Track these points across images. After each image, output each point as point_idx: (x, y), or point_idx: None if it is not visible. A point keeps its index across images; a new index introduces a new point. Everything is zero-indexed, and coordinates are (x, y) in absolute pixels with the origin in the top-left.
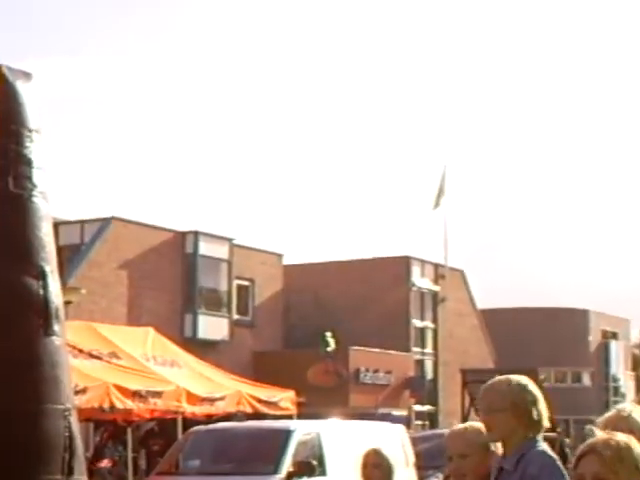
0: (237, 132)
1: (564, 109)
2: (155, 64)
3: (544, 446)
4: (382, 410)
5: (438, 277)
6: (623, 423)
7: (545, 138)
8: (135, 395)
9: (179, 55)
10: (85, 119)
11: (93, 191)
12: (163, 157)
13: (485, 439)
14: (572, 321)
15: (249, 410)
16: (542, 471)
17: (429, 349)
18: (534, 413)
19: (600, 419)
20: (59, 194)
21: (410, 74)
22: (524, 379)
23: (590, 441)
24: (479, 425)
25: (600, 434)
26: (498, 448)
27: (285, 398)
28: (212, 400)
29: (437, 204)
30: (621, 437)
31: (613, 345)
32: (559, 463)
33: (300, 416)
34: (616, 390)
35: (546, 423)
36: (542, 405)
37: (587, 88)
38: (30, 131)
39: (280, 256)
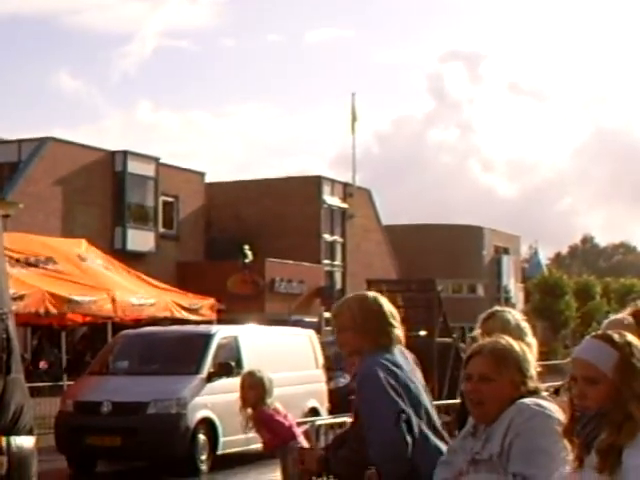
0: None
1: None
2: None
3: (376, 357)
4: (295, 317)
5: (347, 196)
6: (497, 322)
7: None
8: (70, 302)
9: None
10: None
11: (30, 112)
12: (98, 79)
13: None
14: (468, 237)
15: (175, 315)
16: (361, 380)
17: (338, 261)
18: (381, 328)
19: (479, 321)
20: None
21: None
22: (365, 295)
23: (477, 344)
24: None
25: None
26: None
27: (206, 305)
28: (139, 306)
29: (353, 130)
30: (505, 340)
31: (505, 259)
32: (382, 373)
33: (220, 322)
34: (507, 300)
35: (395, 336)
36: (392, 318)
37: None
38: None
39: (203, 174)
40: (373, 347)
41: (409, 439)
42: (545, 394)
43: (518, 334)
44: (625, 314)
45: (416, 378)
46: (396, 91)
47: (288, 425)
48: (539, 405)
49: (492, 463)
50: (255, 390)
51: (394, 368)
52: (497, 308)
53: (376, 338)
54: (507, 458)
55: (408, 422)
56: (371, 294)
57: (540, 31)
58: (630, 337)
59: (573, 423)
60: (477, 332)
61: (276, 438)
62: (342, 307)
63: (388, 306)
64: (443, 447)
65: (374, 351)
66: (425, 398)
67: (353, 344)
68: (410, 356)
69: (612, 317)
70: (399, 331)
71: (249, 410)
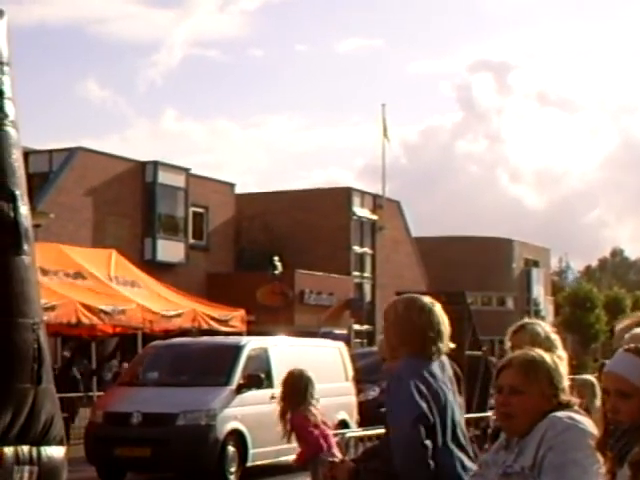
0: (188, 70)
1: None
2: None
3: (413, 361)
4: (324, 329)
5: (376, 207)
6: (526, 335)
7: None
8: (100, 312)
9: None
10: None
11: (61, 123)
12: (129, 93)
13: None
14: (498, 250)
15: (204, 327)
16: (391, 386)
17: (367, 273)
18: (428, 334)
19: (508, 333)
20: (28, 125)
21: None
22: (416, 297)
23: (509, 356)
24: None
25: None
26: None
27: (236, 316)
28: (169, 317)
29: (385, 141)
30: (535, 352)
31: (534, 272)
32: (413, 382)
33: (249, 333)
34: (537, 313)
35: (442, 346)
36: (437, 327)
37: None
38: (1, 64)
39: (232, 185)
40: (411, 351)
41: (428, 443)
42: (578, 408)
43: (548, 346)
44: None
45: (450, 391)
46: (425, 101)
47: (317, 435)
48: (572, 418)
49: (524, 476)
50: (296, 390)
51: (427, 375)
52: (527, 320)
53: (415, 343)
54: (539, 471)
55: (431, 429)
56: (425, 299)
57: (568, 41)
58: None
59: (606, 437)
60: (507, 345)
61: (307, 448)
62: (390, 305)
63: (438, 316)
64: (467, 461)
65: (412, 356)
66: (456, 412)
67: (393, 343)
68: (450, 370)
69: (636, 330)
70: (443, 342)
71: (288, 415)
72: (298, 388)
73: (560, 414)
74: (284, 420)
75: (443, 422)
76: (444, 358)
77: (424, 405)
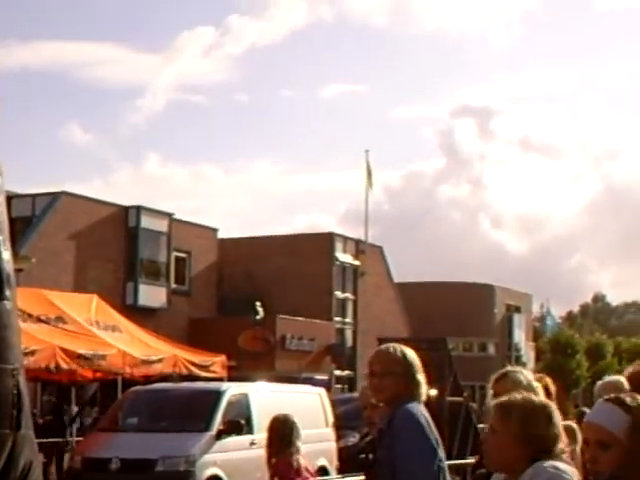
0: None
1: None
2: None
3: (414, 405)
4: (305, 374)
5: (359, 252)
6: (508, 382)
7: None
8: (80, 357)
9: None
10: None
11: (44, 167)
12: (111, 138)
13: None
14: (479, 295)
15: (184, 372)
16: (403, 424)
17: (349, 319)
18: (417, 379)
19: (491, 381)
20: (12, 169)
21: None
22: (408, 349)
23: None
24: None
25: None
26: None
27: (217, 362)
28: (150, 363)
29: (368, 186)
30: (519, 395)
31: (516, 318)
32: (421, 420)
33: (230, 379)
34: (518, 359)
35: (424, 391)
36: (421, 374)
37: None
38: None
39: (215, 230)
40: (409, 397)
41: None
42: (565, 456)
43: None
44: (624, 375)
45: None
46: (407, 146)
47: None
48: (556, 468)
49: None
50: (281, 435)
51: (426, 419)
52: (509, 368)
53: (413, 389)
54: None
55: (443, 472)
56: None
57: (551, 87)
58: None
59: None
60: (489, 392)
61: None
62: (388, 352)
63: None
64: None
65: (409, 401)
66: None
67: (394, 390)
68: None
69: (607, 379)
70: (424, 386)
71: (273, 460)
72: (283, 433)
73: (546, 463)
74: (270, 465)
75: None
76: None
77: (437, 449)
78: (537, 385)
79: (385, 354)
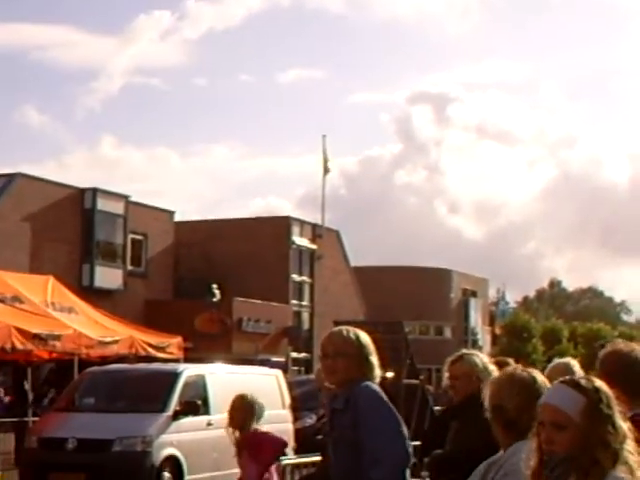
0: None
1: None
2: None
3: (372, 384)
4: (262, 356)
5: (315, 236)
6: (464, 365)
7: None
8: (35, 338)
9: None
10: None
11: (0, 149)
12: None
13: None
14: (436, 279)
15: (141, 353)
16: (370, 403)
17: (306, 302)
18: (371, 361)
19: (446, 363)
20: None
21: None
22: (361, 332)
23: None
24: None
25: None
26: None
27: (173, 343)
28: (106, 344)
29: (325, 172)
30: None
31: (472, 302)
32: (386, 398)
33: (187, 360)
34: (474, 343)
35: (378, 373)
36: (374, 356)
37: None
38: None
39: (172, 213)
40: (362, 379)
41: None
42: None
43: (486, 377)
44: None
45: None
46: (364, 132)
47: (272, 440)
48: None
49: None
50: (243, 413)
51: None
52: (464, 351)
53: (366, 371)
54: None
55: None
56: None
57: (507, 74)
58: (598, 383)
59: (541, 467)
60: (445, 375)
61: (258, 465)
62: (341, 334)
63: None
64: None
65: (365, 380)
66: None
67: (346, 372)
68: None
69: (556, 361)
70: (378, 369)
71: (237, 433)
72: (247, 409)
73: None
74: (235, 442)
75: None
76: None
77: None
78: (493, 368)
79: (338, 336)
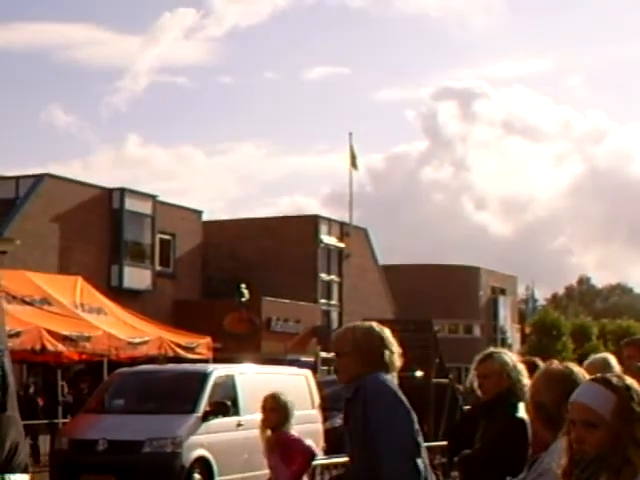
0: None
1: None
2: None
3: (380, 374)
4: (291, 356)
5: (343, 235)
6: (494, 363)
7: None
8: (65, 339)
9: None
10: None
11: (27, 149)
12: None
13: None
14: (465, 277)
15: (170, 354)
16: (375, 391)
17: (334, 301)
18: (385, 354)
19: (474, 362)
20: None
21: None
22: (371, 324)
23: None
24: None
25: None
26: None
27: (202, 344)
28: (135, 344)
29: (353, 169)
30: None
31: (501, 300)
32: (393, 387)
33: (216, 360)
34: (503, 341)
35: (397, 363)
36: (393, 346)
37: None
38: None
39: (200, 213)
40: (374, 372)
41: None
42: None
43: (515, 375)
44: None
45: None
46: (390, 129)
47: (304, 450)
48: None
49: None
50: (276, 413)
51: (396, 386)
52: (493, 349)
53: (375, 364)
54: None
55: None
56: (372, 322)
57: (534, 70)
58: (629, 380)
59: (572, 466)
60: (472, 373)
61: (291, 465)
62: (344, 333)
63: (388, 334)
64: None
65: (374, 373)
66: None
67: (352, 370)
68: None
69: (593, 356)
70: (397, 358)
71: (268, 432)
72: (283, 412)
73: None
74: (267, 440)
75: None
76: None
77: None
78: (522, 367)
79: (338, 335)
